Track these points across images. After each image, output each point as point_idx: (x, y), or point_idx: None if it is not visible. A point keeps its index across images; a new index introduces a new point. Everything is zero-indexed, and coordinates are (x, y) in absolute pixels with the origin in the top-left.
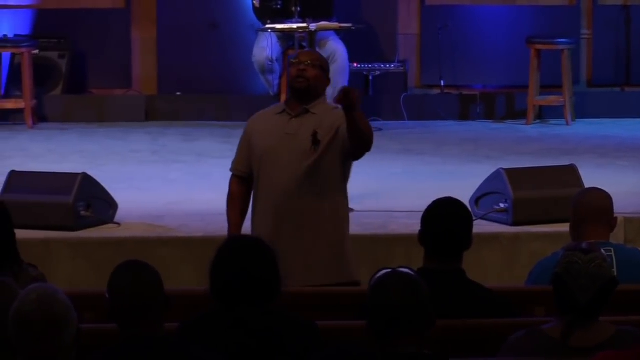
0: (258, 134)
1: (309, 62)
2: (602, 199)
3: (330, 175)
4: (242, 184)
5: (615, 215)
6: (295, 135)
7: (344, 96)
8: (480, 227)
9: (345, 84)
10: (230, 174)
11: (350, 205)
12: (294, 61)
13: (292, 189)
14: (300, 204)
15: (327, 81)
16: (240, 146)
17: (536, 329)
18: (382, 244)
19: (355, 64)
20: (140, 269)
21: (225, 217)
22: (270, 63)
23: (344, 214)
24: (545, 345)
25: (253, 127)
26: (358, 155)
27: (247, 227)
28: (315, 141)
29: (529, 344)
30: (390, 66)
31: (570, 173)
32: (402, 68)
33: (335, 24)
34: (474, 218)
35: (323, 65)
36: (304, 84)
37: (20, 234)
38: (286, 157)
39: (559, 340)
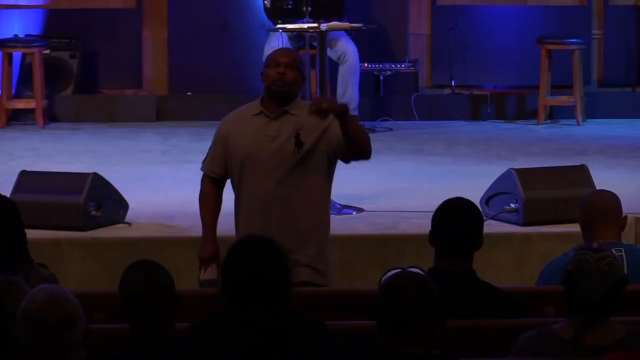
0: (235, 137)
1: (287, 63)
2: (608, 200)
3: (314, 175)
4: (215, 184)
5: (625, 214)
6: (276, 137)
7: (316, 111)
8: (491, 227)
9: (356, 84)
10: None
11: (361, 205)
12: (271, 62)
13: (276, 192)
14: (285, 206)
15: (303, 80)
16: (214, 147)
17: (546, 329)
18: (392, 243)
19: (366, 64)
20: (152, 269)
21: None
22: None
23: (327, 214)
24: (556, 345)
25: (229, 129)
26: (350, 161)
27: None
28: (298, 142)
29: (539, 344)
30: (401, 66)
31: (581, 173)
32: (412, 68)
33: (346, 24)
34: (485, 218)
35: (299, 66)
36: (283, 88)
37: (31, 233)
38: (268, 160)
39: (570, 340)
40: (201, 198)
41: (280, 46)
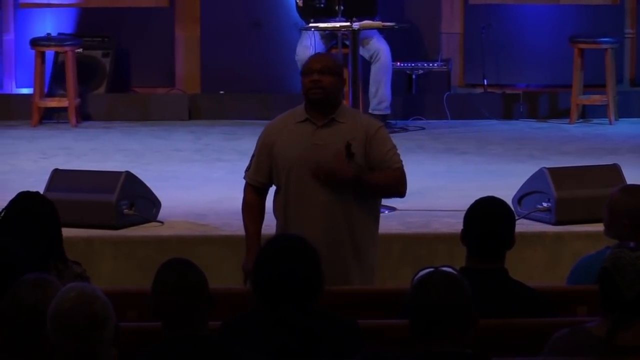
0: (281, 144)
1: (321, 69)
2: None
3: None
4: (259, 194)
5: None
6: (325, 146)
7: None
8: (523, 226)
9: (389, 82)
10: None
11: (393, 204)
12: (305, 70)
13: (325, 202)
14: (333, 217)
15: (343, 83)
16: (258, 156)
17: (580, 328)
18: (424, 242)
19: (398, 63)
20: (186, 268)
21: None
22: None
23: (376, 222)
24: (589, 343)
25: (273, 137)
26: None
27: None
28: (349, 153)
29: (572, 343)
30: (433, 65)
31: (614, 172)
32: (445, 67)
33: (378, 23)
34: (517, 217)
35: (337, 69)
36: (319, 94)
37: (63, 232)
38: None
39: (603, 339)
40: (245, 208)
41: (313, 45)
